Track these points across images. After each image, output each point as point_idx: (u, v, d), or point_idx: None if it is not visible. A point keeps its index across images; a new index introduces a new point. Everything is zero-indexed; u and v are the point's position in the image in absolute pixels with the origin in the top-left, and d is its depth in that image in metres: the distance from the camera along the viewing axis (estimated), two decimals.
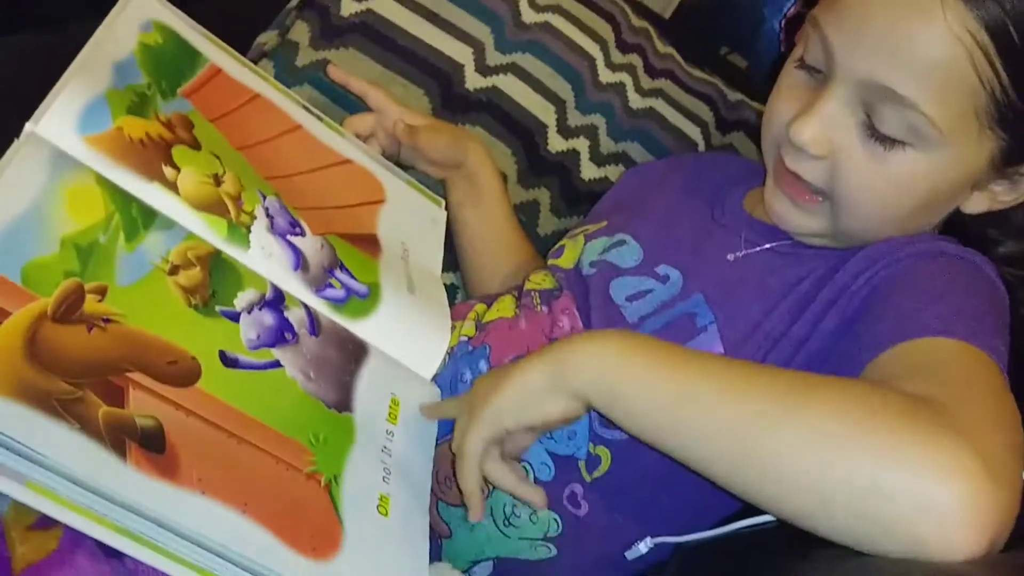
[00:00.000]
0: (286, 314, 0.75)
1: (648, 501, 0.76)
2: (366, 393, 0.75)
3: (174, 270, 0.70)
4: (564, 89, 1.16)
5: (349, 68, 1.06)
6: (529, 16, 1.15)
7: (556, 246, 0.97)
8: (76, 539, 0.57)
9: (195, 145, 0.78)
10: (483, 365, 0.83)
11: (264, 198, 0.80)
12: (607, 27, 1.22)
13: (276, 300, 0.75)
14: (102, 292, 0.64)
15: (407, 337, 0.82)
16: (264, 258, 0.76)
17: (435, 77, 1.09)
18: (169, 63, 0.82)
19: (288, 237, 0.79)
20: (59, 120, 0.70)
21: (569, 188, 1.16)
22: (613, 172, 1.17)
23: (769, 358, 0.76)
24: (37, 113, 0.70)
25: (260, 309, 0.73)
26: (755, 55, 1.49)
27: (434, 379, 0.83)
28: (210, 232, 0.74)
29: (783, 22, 1.32)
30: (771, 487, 0.58)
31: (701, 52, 1.35)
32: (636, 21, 1.26)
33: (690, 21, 1.41)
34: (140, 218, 0.70)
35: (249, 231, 0.76)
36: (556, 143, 1.15)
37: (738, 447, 0.60)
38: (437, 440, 0.79)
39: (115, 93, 0.74)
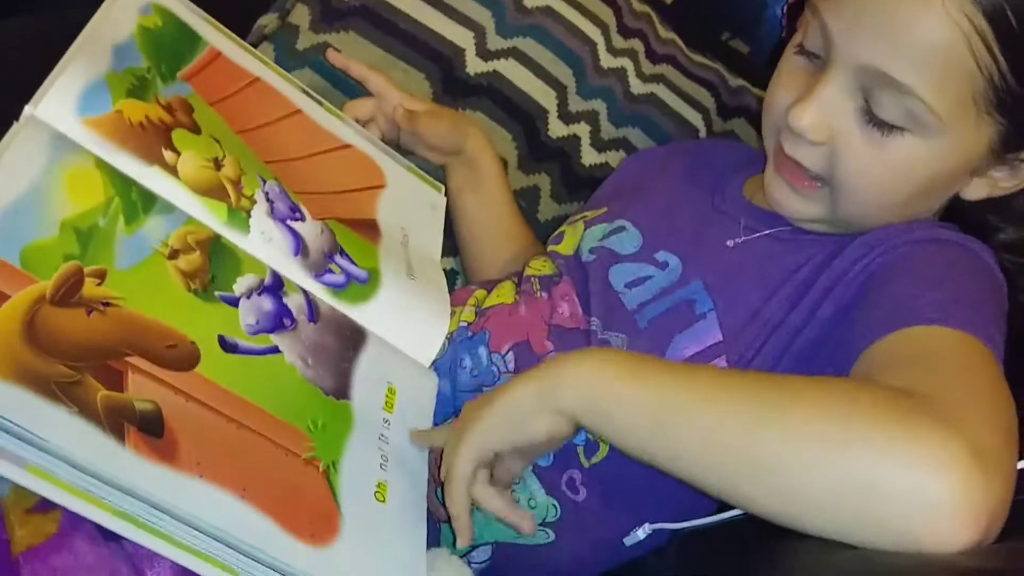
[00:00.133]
0: (285, 300, 0.75)
1: (646, 488, 0.76)
2: (364, 380, 0.75)
3: (174, 254, 0.69)
4: (565, 74, 1.15)
5: (349, 52, 1.06)
6: (530, 0, 1.15)
7: (556, 232, 0.97)
8: (75, 522, 0.57)
9: (195, 129, 0.78)
10: (482, 351, 0.83)
11: (264, 182, 0.80)
12: (608, 12, 1.21)
13: (275, 286, 0.75)
14: (101, 276, 0.64)
15: (406, 323, 0.82)
16: (264, 243, 0.76)
17: (436, 61, 1.09)
18: (168, 46, 0.82)
19: (288, 222, 0.79)
20: (58, 103, 0.70)
21: (570, 174, 1.15)
22: (614, 158, 1.17)
23: (767, 345, 0.76)
24: (36, 96, 0.69)
25: (259, 295, 0.73)
26: (757, 41, 1.48)
27: (433, 364, 0.83)
28: (210, 216, 0.74)
29: (785, 8, 1.32)
30: (759, 493, 0.58)
31: (703, 37, 1.34)
32: (638, 6, 1.25)
33: (692, 6, 1.40)
34: (140, 202, 0.70)
35: (249, 216, 0.76)
36: (557, 128, 1.14)
37: (725, 457, 0.59)
38: (435, 426, 0.79)
39: (115, 76, 0.74)
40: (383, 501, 0.69)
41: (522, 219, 1.07)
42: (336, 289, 0.79)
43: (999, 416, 0.59)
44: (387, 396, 0.77)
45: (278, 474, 0.64)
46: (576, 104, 1.16)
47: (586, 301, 0.85)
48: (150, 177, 0.72)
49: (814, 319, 0.75)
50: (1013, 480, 0.56)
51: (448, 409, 0.82)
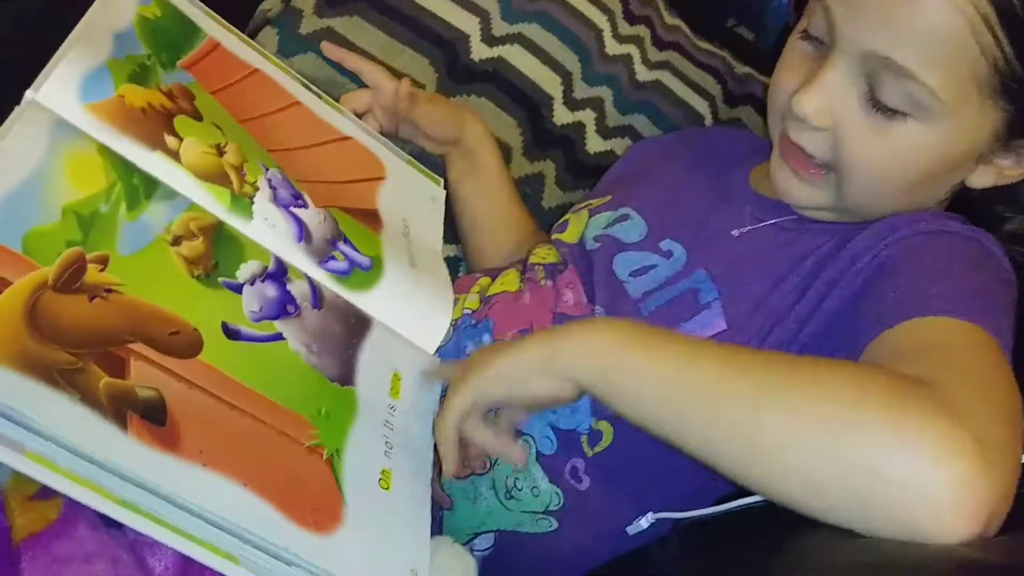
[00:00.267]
0: (289, 287, 0.74)
1: (649, 477, 0.76)
2: (368, 367, 0.75)
3: (176, 241, 0.69)
4: (571, 60, 1.15)
5: (354, 36, 1.05)
6: None
7: (560, 220, 0.97)
8: (76, 509, 0.57)
9: (197, 116, 0.78)
10: (486, 338, 0.83)
11: (266, 169, 0.80)
12: None
13: (279, 272, 0.75)
14: (104, 262, 0.64)
15: (410, 310, 0.82)
16: (267, 229, 0.76)
17: (440, 47, 1.09)
18: (168, 36, 0.81)
19: (291, 208, 0.79)
20: (60, 87, 0.70)
21: (574, 161, 1.15)
22: (619, 145, 1.17)
23: (772, 335, 0.75)
24: (38, 80, 0.69)
25: (263, 281, 0.73)
26: (762, 27, 1.48)
27: (437, 352, 0.83)
28: (213, 202, 0.73)
29: None
30: (763, 472, 0.58)
31: (708, 24, 1.34)
32: None
33: None
34: (142, 187, 0.70)
35: (252, 202, 0.76)
36: (562, 115, 1.14)
37: (730, 434, 0.60)
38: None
39: (116, 62, 0.74)
40: (387, 488, 0.69)
41: (523, 208, 1.07)
42: (340, 276, 0.79)
43: (1006, 408, 0.59)
44: (392, 382, 0.77)
45: (281, 462, 0.64)
46: (581, 91, 1.15)
47: (590, 289, 0.85)
48: (152, 162, 0.71)
49: (820, 310, 0.75)
50: (1017, 473, 0.56)
51: None
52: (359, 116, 1.00)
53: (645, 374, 0.64)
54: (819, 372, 0.60)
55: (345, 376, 0.73)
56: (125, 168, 0.70)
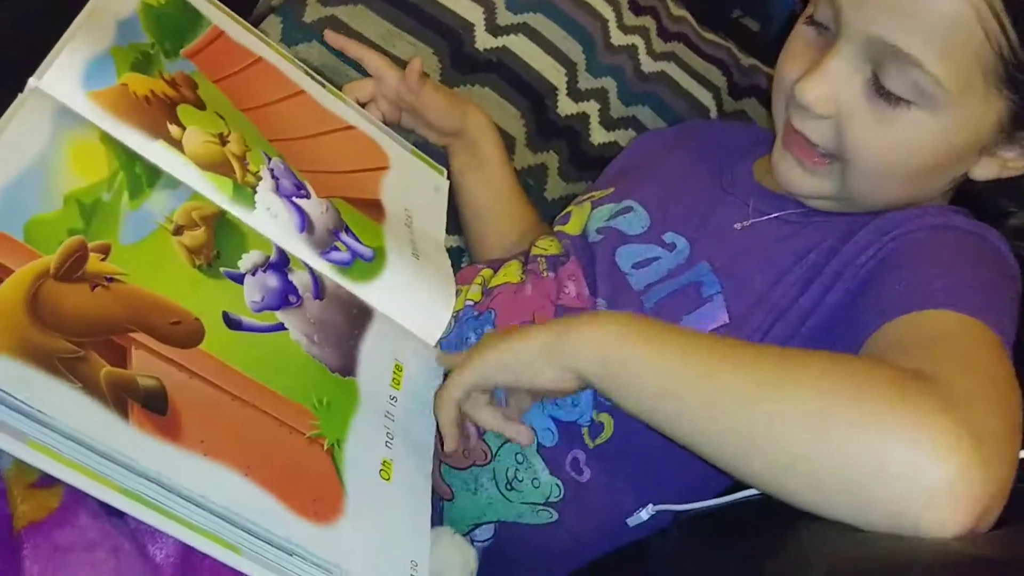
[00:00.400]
0: (290, 277, 0.74)
1: (650, 469, 0.76)
2: (370, 358, 0.75)
3: (178, 230, 0.69)
4: (575, 51, 1.14)
5: (357, 25, 1.05)
6: None
7: (563, 212, 0.97)
8: (78, 498, 0.57)
9: (199, 104, 0.77)
10: (488, 330, 0.83)
11: (269, 159, 0.79)
12: None
13: (280, 262, 0.75)
14: (105, 251, 0.64)
15: (412, 301, 0.82)
16: (270, 219, 0.76)
17: (445, 36, 1.08)
18: (171, 24, 0.81)
19: (293, 199, 0.79)
20: (63, 75, 0.69)
21: (578, 152, 1.15)
22: (623, 137, 1.17)
23: (775, 329, 0.75)
24: (41, 68, 0.69)
25: (264, 271, 0.73)
26: (768, 18, 1.48)
27: (439, 343, 0.83)
28: (215, 192, 0.73)
29: None
30: (760, 465, 0.59)
31: (713, 14, 1.34)
32: None
33: None
34: (144, 176, 0.70)
35: (255, 192, 0.76)
36: (566, 106, 1.14)
37: (725, 428, 0.60)
38: None
39: (119, 50, 0.74)
40: (388, 479, 0.69)
41: (526, 200, 1.07)
42: (342, 267, 0.79)
43: (1005, 404, 0.59)
44: (394, 373, 0.77)
45: (282, 452, 0.64)
46: (586, 81, 1.15)
47: (592, 281, 0.85)
48: (155, 151, 0.71)
49: (823, 303, 0.74)
50: (1013, 468, 0.56)
51: None
52: (362, 105, 1.00)
53: (643, 366, 0.64)
54: (818, 366, 0.60)
55: (346, 367, 0.73)
56: (128, 157, 0.70)
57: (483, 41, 1.10)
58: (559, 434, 0.78)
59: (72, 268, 0.61)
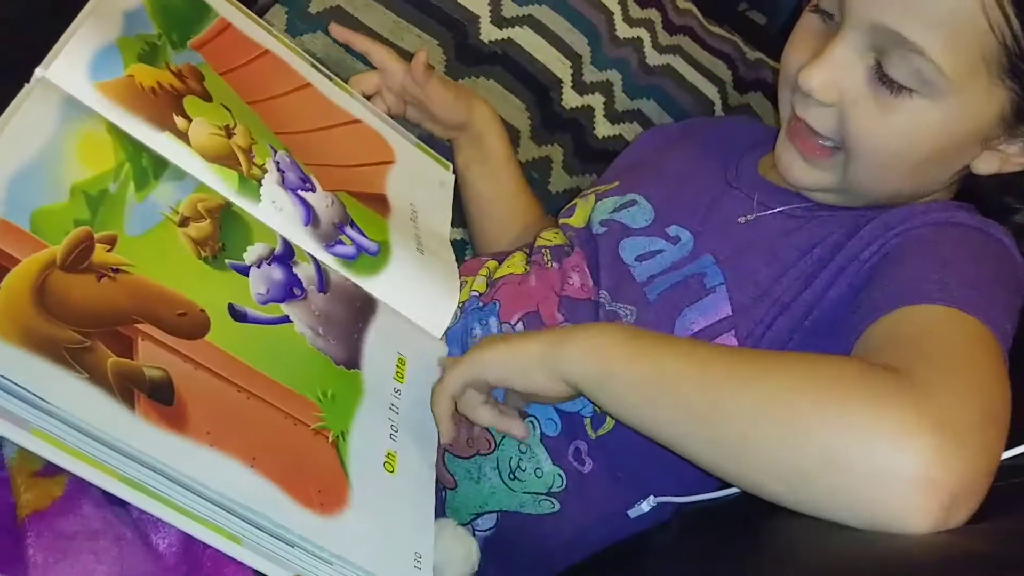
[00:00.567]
0: (295, 269, 0.74)
1: (651, 461, 0.76)
2: (374, 350, 0.75)
3: (184, 221, 0.69)
4: (580, 43, 1.14)
5: (363, 16, 1.05)
6: None
7: (568, 205, 0.97)
8: (81, 486, 0.57)
9: (206, 96, 0.77)
10: (492, 321, 0.83)
11: (275, 152, 0.79)
12: None
13: (286, 255, 0.75)
14: (111, 242, 0.64)
15: (417, 296, 0.82)
16: (275, 212, 0.76)
17: (450, 28, 1.08)
18: (178, 15, 0.81)
19: (299, 192, 0.79)
20: (70, 65, 0.69)
21: (583, 145, 1.15)
22: (628, 130, 1.16)
23: (778, 322, 0.76)
24: (47, 58, 0.69)
25: (269, 264, 0.73)
26: (773, 11, 1.48)
27: (444, 335, 0.84)
28: (221, 184, 0.73)
29: None
30: (734, 464, 0.60)
31: (720, 7, 1.33)
32: None
33: None
34: (151, 167, 0.70)
35: (260, 184, 0.76)
36: (571, 98, 1.14)
37: (698, 428, 0.62)
38: None
39: (126, 41, 0.74)
40: (392, 471, 0.69)
41: (530, 194, 1.07)
42: (347, 260, 0.79)
43: (981, 397, 0.59)
44: (397, 366, 0.77)
45: (287, 444, 0.64)
46: (591, 74, 1.15)
47: (596, 273, 0.85)
48: (161, 143, 0.71)
49: (826, 298, 0.75)
50: (987, 462, 0.56)
51: None
52: (367, 98, 1.00)
53: (627, 376, 0.66)
54: (785, 365, 0.61)
55: (351, 359, 0.73)
56: (134, 148, 0.70)
57: (488, 33, 1.10)
58: (562, 424, 0.78)
59: (78, 259, 0.61)
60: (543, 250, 0.89)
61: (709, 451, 0.61)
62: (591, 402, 0.71)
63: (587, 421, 0.78)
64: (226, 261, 0.70)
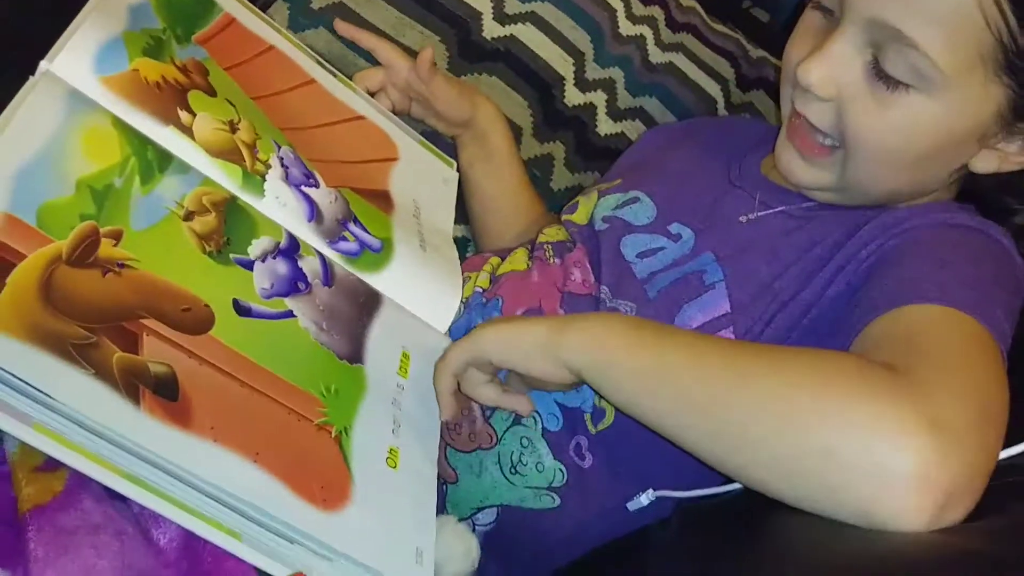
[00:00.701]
0: (300, 264, 0.74)
1: (652, 456, 0.76)
2: (377, 345, 0.75)
3: (189, 216, 0.69)
4: (583, 41, 1.14)
5: (365, 13, 1.05)
6: None
7: (570, 203, 0.97)
8: (82, 481, 0.57)
9: (210, 91, 0.77)
10: (496, 316, 0.84)
11: (279, 148, 0.79)
12: None
13: (290, 249, 0.75)
14: (117, 236, 0.64)
15: (420, 293, 0.82)
16: (278, 207, 0.76)
17: (452, 24, 1.08)
18: (183, 10, 0.81)
19: (302, 188, 0.79)
20: (75, 59, 0.69)
21: (585, 142, 1.15)
22: (630, 128, 1.16)
23: (776, 320, 0.76)
24: (52, 51, 0.69)
25: (274, 258, 0.73)
26: (777, 9, 1.48)
27: (448, 331, 0.84)
28: (225, 179, 0.73)
29: None
30: (730, 457, 0.61)
31: (723, 4, 1.33)
32: None
33: None
34: (156, 161, 0.70)
35: (264, 180, 0.76)
36: (573, 96, 1.14)
37: (698, 419, 0.62)
38: None
39: (131, 35, 0.74)
40: (394, 467, 0.69)
41: (533, 192, 1.08)
42: (350, 257, 0.79)
43: (978, 396, 0.59)
44: (401, 361, 0.77)
45: (290, 439, 0.64)
46: (593, 72, 1.15)
47: (597, 269, 0.85)
48: (166, 137, 0.71)
49: (825, 297, 0.75)
50: (984, 461, 0.57)
51: None
52: (371, 95, 1.00)
53: (628, 364, 0.66)
54: (785, 360, 0.62)
55: (355, 354, 0.73)
56: (140, 141, 0.70)
57: (491, 30, 1.10)
58: (563, 419, 0.79)
59: (84, 253, 0.61)
60: (545, 246, 0.89)
61: (708, 443, 0.62)
62: (592, 389, 0.71)
63: (587, 416, 0.78)
64: (231, 255, 0.70)
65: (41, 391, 0.52)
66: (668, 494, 0.74)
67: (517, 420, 0.79)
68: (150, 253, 0.65)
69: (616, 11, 1.17)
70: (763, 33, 1.34)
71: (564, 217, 0.94)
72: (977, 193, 0.80)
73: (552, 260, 0.87)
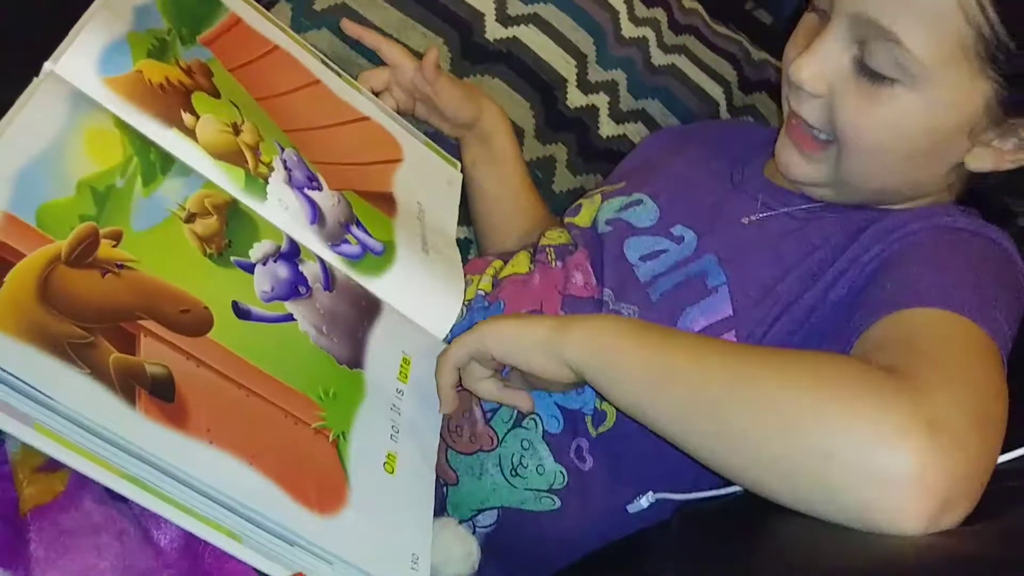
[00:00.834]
0: (301, 267, 0.74)
1: (652, 459, 0.76)
2: (378, 350, 0.75)
3: (190, 218, 0.69)
4: (586, 42, 1.14)
5: (368, 13, 1.05)
6: None
7: (573, 205, 0.97)
8: (83, 482, 0.57)
9: (214, 93, 0.77)
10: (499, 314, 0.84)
11: (282, 150, 0.79)
12: None
13: (291, 253, 0.75)
14: (117, 237, 0.64)
15: (421, 297, 0.82)
16: (281, 210, 0.76)
17: (455, 26, 1.08)
18: (189, 10, 0.81)
19: (305, 191, 0.79)
20: (79, 60, 0.69)
21: (587, 144, 1.14)
22: (632, 130, 1.16)
23: (779, 323, 0.76)
24: (57, 52, 0.69)
25: (275, 261, 0.73)
26: (780, 11, 1.47)
27: (450, 333, 0.84)
28: (228, 182, 0.73)
29: None
30: (729, 457, 0.61)
31: (726, 7, 1.33)
32: None
33: None
34: (158, 162, 0.70)
35: (267, 182, 0.76)
36: (575, 98, 1.14)
37: (699, 420, 0.62)
38: None
39: (136, 36, 0.74)
40: (392, 472, 0.69)
41: (536, 194, 1.08)
42: (352, 260, 0.79)
43: (977, 400, 0.59)
44: (401, 366, 0.77)
45: (287, 442, 0.64)
46: (596, 74, 1.15)
47: (600, 272, 0.85)
48: (169, 140, 0.71)
49: (827, 300, 0.75)
50: (982, 465, 0.57)
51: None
52: (376, 94, 1.00)
53: (630, 365, 0.67)
54: (786, 363, 0.62)
55: (354, 359, 0.73)
56: (142, 143, 0.70)
57: (493, 31, 1.09)
58: (564, 422, 0.79)
59: (83, 254, 0.61)
60: (547, 249, 0.89)
61: (708, 444, 0.62)
62: (593, 388, 0.71)
63: (588, 418, 0.78)
64: (231, 258, 0.70)
65: (37, 390, 0.52)
66: (668, 496, 0.74)
67: (518, 423, 0.79)
68: (150, 254, 0.65)
69: (619, 13, 1.17)
70: (766, 35, 1.34)
71: (567, 220, 0.94)
72: (979, 196, 0.80)
73: (554, 263, 0.87)
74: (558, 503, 0.79)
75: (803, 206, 0.83)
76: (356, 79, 0.98)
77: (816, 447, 0.56)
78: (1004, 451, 0.60)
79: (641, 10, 1.19)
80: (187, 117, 0.73)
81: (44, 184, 0.62)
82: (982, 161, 0.75)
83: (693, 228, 0.85)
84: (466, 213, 1.06)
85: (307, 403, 0.67)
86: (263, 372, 0.66)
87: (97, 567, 0.55)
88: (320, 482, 0.63)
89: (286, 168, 0.78)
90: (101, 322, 0.59)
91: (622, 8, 1.17)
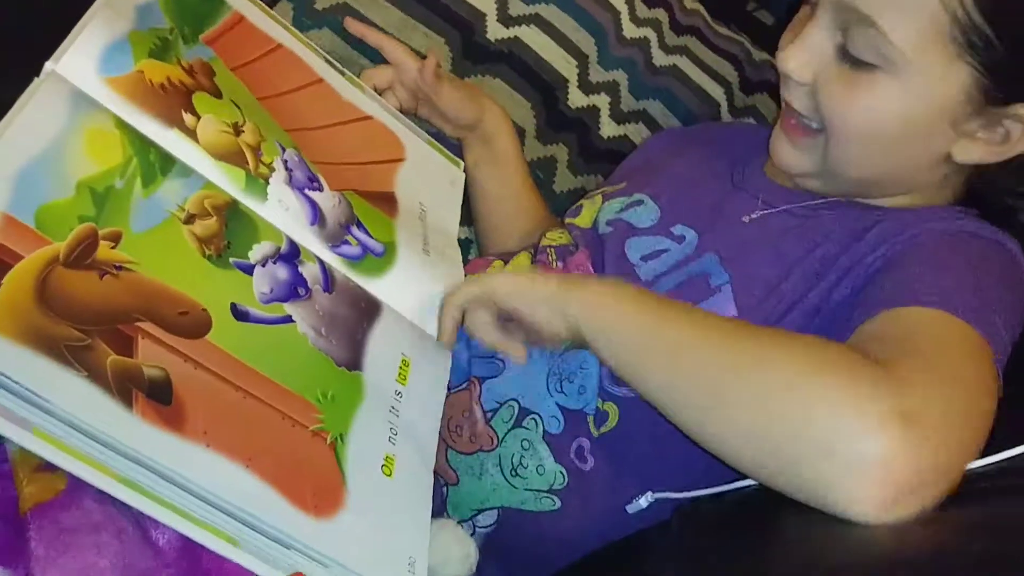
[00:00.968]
0: (300, 269, 0.74)
1: (653, 459, 0.77)
2: (377, 352, 0.75)
3: (190, 219, 0.69)
4: (587, 43, 1.14)
5: (369, 13, 1.05)
6: None
7: (574, 206, 0.97)
8: (83, 481, 0.56)
9: (216, 93, 0.77)
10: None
11: (283, 150, 0.79)
12: None
13: (291, 254, 0.74)
14: (116, 238, 0.63)
15: (422, 298, 0.82)
16: (281, 211, 0.75)
17: (456, 26, 1.08)
18: (191, 8, 0.81)
19: (306, 191, 0.78)
20: (80, 59, 0.69)
21: (588, 145, 1.15)
22: (633, 130, 1.16)
23: (783, 323, 0.76)
24: (58, 51, 0.68)
25: (274, 263, 0.72)
26: (782, 11, 1.47)
27: None
28: (228, 182, 0.73)
29: None
30: (708, 422, 0.63)
31: (728, 7, 1.33)
32: None
33: None
34: (158, 163, 0.70)
35: (267, 183, 0.76)
36: (576, 98, 1.14)
37: (683, 384, 0.64)
38: (449, 390, 0.80)
39: (138, 35, 0.74)
40: (390, 475, 0.69)
41: (538, 195, 1.08)
42: (352, 261, 0.78)
43: (958, 397, 0.60)
44: (400, 368, 0.76)
45: (284, 445, 0.64)
46: (597, 74, 1.15)
47: (601, 272, 0.86)
48: (169, 140, 0.71)
49: (830, 300, 0.76)
50: (953, 461, 0.57)
51: (463, 377, 0.83)
52: (379, 93, 0.99)
53: (627, 326, 0.69)
54: (779, 340, 0.63)
55: (353, 361, 0.73)
56: (142, 143, 0.69)
57: (495, 32, 1.09)
58: (565, 422, 0.79)
59: (82, 255, 0.61)
60: (548, 249, 0.89)
61: (690, 408, 0.64)
62: (590, 349, 0.72)
63: (590, 419, 0.78)
64: (231, 259, 0.70)
65: (34, 393, 0.52)
66: (667, 496, 0.74)
67: (518, 423, 0.79)
68: (149, 256, 0.64)
69: (620, 13, 1.17)
70: (767, 36, 1.33)
71: (567, 220, 0.95)
72: (979, 195, 0.80)
73: (554, 264, 0.87)
74: (558, 503, 0.79)
75: (803, 203, 0.83)
76: (359, 77, 0.98)
77: (790, 416, 0.58)
78: (1007, 448, 0.60)
79: (642, 10, 1.19)
80: (188, 117, 0.73)
81: (44, 185, 0.62)
82: (968, 153, 0.75)
83: (694, 227, 0.86)
84: (467, 213, 1.06)
85: (305, 405, 0.67)
86: (261, 374, 0.65)
87: (97, 565, 0.55)
88: (317, 485, 0.63)
89: (287, 169, 0.78)
90: (99, 324, 0.59)
91: (623, 8, 1.17)
